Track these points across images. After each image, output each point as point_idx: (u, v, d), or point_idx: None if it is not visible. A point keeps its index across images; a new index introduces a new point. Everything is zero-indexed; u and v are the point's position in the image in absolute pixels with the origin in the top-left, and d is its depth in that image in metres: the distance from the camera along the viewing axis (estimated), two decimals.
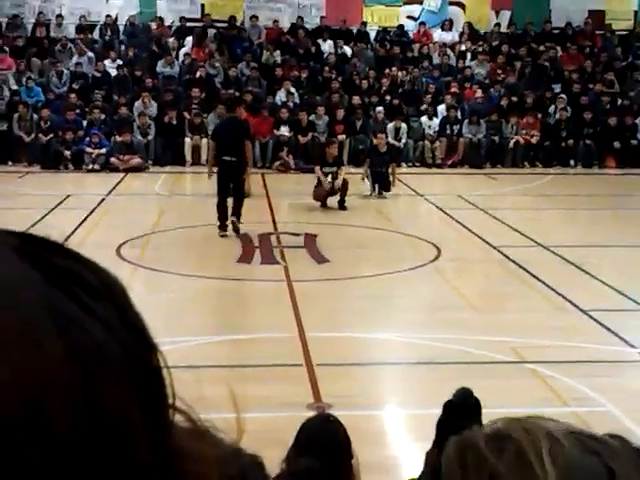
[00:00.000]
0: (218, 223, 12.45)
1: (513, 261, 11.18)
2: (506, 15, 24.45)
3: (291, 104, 21.06)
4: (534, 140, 20.95)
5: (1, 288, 0.43)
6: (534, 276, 10.62)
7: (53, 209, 14.29)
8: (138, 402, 0.45)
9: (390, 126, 20.26)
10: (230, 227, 12.48)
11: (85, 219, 13.53)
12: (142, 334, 0.49)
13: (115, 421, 0.44)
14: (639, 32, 24.63)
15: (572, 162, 20.94)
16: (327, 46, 23.12)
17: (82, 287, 0.46)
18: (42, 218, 13.38)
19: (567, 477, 0.97)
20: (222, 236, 12.43)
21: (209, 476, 0.50)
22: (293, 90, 21.47)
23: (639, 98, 22.16)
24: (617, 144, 20.80)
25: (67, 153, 19.16)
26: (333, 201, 15.16)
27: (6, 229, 0.48)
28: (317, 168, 15.14)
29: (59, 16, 23.15)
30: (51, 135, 19.46)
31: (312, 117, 20.54)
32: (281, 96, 21.33)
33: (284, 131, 20.38)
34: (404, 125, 20.62)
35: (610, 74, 22.83)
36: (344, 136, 19.71)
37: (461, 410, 3.66)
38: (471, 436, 1.08)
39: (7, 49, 22.01)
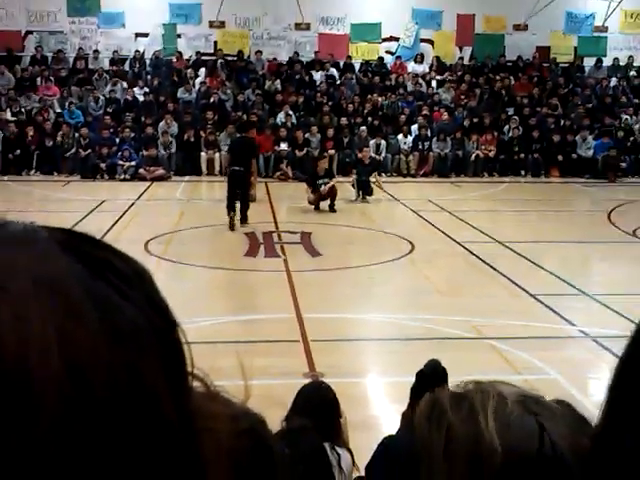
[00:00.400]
0: (228, 218, 12.65)
1: (474, 254, 11.21)
2: (468, 50, 24.44)
3: (289, 124, 21.05)
4: (491, 154, 21.00)
5: (50, 277, 0.43)
6: (491, 267, 10.65)
7: (91, 212, 14.27)
8: (164, 371, 0.45)
9: (372, 142, 20.28)
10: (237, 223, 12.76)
11: (118, 220, 13.52)
12: (166, 314, 0.48)
13: (147, 388, 0.44)
14: (578, 64, 24.66)
15: (523, 172, 20.97)
16: (319, 76, 23.11)
17: (117, 275, 0.46)
18: (82, 219, 13.35)
19: (504, 431, 0.99)
20: (231, 219, 12.71)
21: (221, 431, 0.50)
22: (291, 112, 21.46)
23: (578, 119, 22.17)
24: (560, 157, 20.83)
25: (102, 165, 19.19)
26: (324, 205, 15.19)
27: (52, 226, 0.48)
28: (310, 187, 15.15)
29: (96, 51, 23.10)
30: (89, 150, 19.47)
31: (307, 135, 20.55)
32: (281, 117, 21.33)
33: (283, 146, 20.38)
34: (383, 142, 20.65)
35: (554, 99, 22.87)
36: (333, 151, 19.75)
37: (431, 378, 3.66)
38: (438, 395, 1.10)
39: (52, 79, 21.98)
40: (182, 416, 0.46)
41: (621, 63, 24.63)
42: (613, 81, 24.17)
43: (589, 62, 24.70)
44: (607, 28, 24.46)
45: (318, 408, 3.38)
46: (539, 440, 0.96)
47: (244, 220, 12.83)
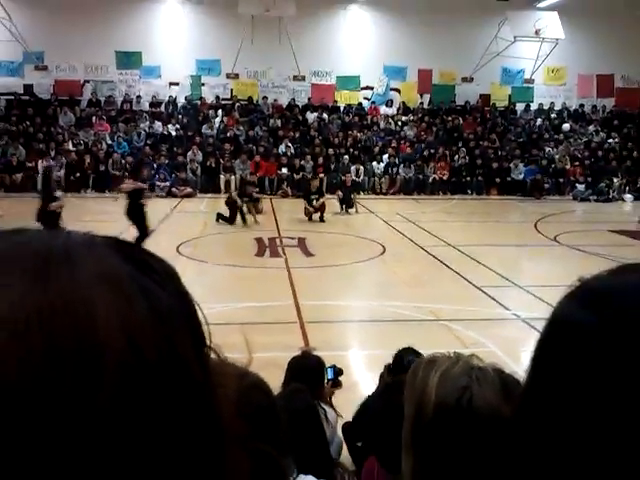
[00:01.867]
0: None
1: (432, 255, 11.23)
2: (427, 97, 24.49)
3: (289, 153, 21.05)
4: (445, 177, 21.04)
5: (108, 272, 0.44)
6: (445, 264, 10.66)
7: None
8: (192, 342, 0.47)
9: (353, 168, 20.29)
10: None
11: (156, 228, 13.46)
12: (190, 300, 0.50)
13: (181, 354, 0.45)
14: (512, 108, 24.73)
15: (469, 191, 21.02)
16: (312, 117, 23.10)
17: (154, 272, 0.47)
18: (128, 227, 13.29)
19: (441, 384, 1.01)
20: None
21: (230, 386, 0.52)
22: (290, 145, 21.45)
23: (512, 150, 22.26)
24: (498, 180, 20.91)
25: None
26: (316, 217, 15.18)
27: (107, 235, 0.49)
28: (305, 202, 15.18)
29: (138, 96, 23.02)
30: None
31: (302, 162, 20.55)
32: (282, 148, 21.31)
33: (284, 171, 20.38)
34: (362, 167, 20.67)
35: (493, 135, 22.94)
36: (323, 174, 19.74)
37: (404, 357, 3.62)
38: (420, 359, 1.13)
39: (105, 117, 21.90)
40: (205, 375, 0.47)
41: (545, 107, 24.72)
42: (539, 121, 24.26)
43: (520, 107, 24.77)
44: (534, 80, 24.56)
45: (304, 373, 3.36)
46: (459, 396, 0.98)
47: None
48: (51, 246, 0.44)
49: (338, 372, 3.70)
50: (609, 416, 0.50)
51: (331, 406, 3.50)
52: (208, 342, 0.50)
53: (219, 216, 14.10)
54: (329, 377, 3.58)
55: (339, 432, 3.59)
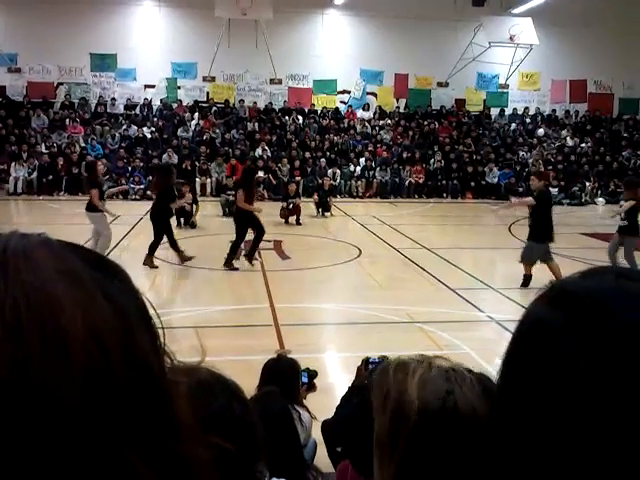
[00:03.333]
0: None
1: (407, 257, 11.26)
2: (403, 101, 24.63)
3: (265, 157, 21.00)
4: (421, 181, 21.17)
5: (66, 268, 0.45)
6: (421, 267, 10.71)
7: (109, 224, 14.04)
8: (149, 336, 0.49)
9: (330, 171, 20.32)
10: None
11: (130, 230, 13.35)
12: (142, 298, 0.51)
13: (139, 347, 0.47)
14: (486, 113, 24.99)
15: (445, 195, 21.17)
16: (287, 120, 23.09)
17: (108, 270, 0.49)
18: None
19: (421, 388, 1.00)
20: None
21: (182, 381, 0.53)
22: (267, 148, 21.41)
23: (486, 155, 22.48)
24: (473, 183, 21.10)
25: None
26: (292, 219, 15.16)
27: (72, 242, 0.50)
28: (282, 204, 15.20)
29: (113, 99, 22.82)
30: (107, 176, 19.26)
31: (279, 165, 20.53)
32: (259, 152, 21.25)
33: (261, 174, 20.30)
34: (338, 171, 20.73)
35: (468, 139, 23.15)
36: (300, 178, 19.74)
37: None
38: (388, 362, 1.11)
39: (78, 120, 21.67)
40: (160, 367, 0.49)
41: (519, 112, 25.02)
42: (513, 126, 24.55)
43: (495, 111, 25.03)
44: (508, 85, 24.85)
45: (278, 376, 3.35)
46: (443, 399, 0.97)
47: None
48: (7, 245, 0.45)
49: (312, 375, 3.68)
50: (578, 413, 0.51)
51: (305, 408, 3.48)
52: (161, 340, 0.51)
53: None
54: (303, 381, 3.55)
55: (314, 434, 3.57)
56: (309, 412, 3.49)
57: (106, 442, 0.43)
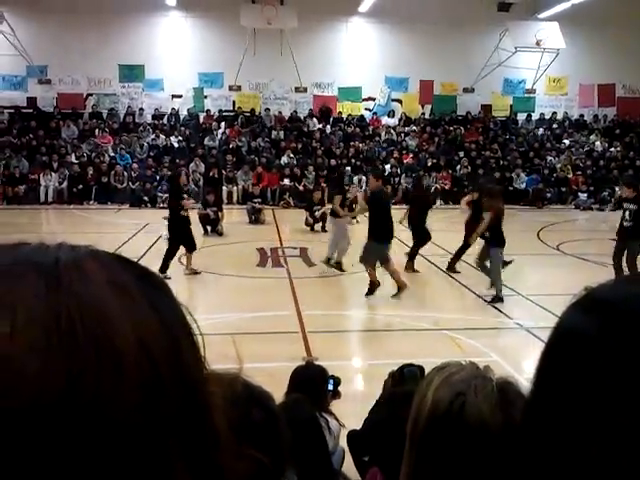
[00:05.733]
0: None
1: (434, 264, 11.20)
2: (428, 108, 24.54)
3: (291, 164, 21.09)
4: (447, 187, 21.04)
5: (115, 280, 0.46)
6: (447, 274, 10.63)
7: (137, 232, 14.25)
8: (192, 349, 0.50)
9: (355, 179, 20.33)
10: None
11: (158, 239, 13.48)
12: (184, 311, 0.52)
13: (184, 358, 0.48)
14: (513, 118, 24.77)
15: None
16: (313, 127, 23.15)
17: (153, 282, 0.50)
18: (131, 238, 13.35)
19: (439, 388, 1.01)
20: None
21: (220, 394, 0.53)
22: (292, 156, 21.50)
23: (514, 161, 22.27)
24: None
25: (146, 197, 19.21)
26: (318, 227, 15.18)
27: (117, 253, 0.51)
28: (307, 213, 15.24)
29: (141, 109, 23.12)
30: (137, 183, 19.59)
31: (305, 173, 20.60)
32: (284, 159, 21.36)
33: (287, 182, 20.42)
34: (364, 177, 20.69)
35: (495, 145, 22.96)
36: (325, 185, 19.74)
37: (408, 376, 3.57)
38: (432, 370, 1.14)
39: (107, 130, 22.03)
40: (202, 378, 0.50)
41: (546, 117, 24.76)
42: (540, 131, 24.29)
43: (522, 117, 24.80)
44: (535, 90, 24.62)
45: (307, 383, 3.34)
46: (452, 401, 0.99)
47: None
48: (58, 256, 0.46)
49: (337, 382, 3.67)
50: (613, 425, 0.50)
51: (333, 416, 3.47)
52: (202, 352, 0.52)
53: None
54: (329, 388, 3.54)
55: (342, 442, 3.56)
56: (337, 419, 3.48)
57: (156, 452, 0.44)
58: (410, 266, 10.87)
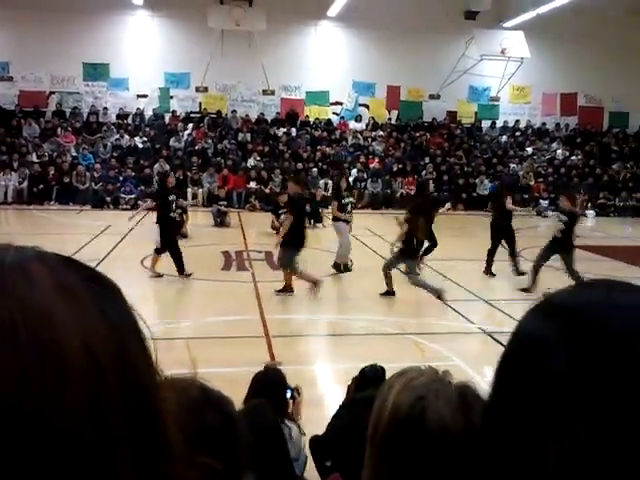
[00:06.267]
0: None
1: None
2: (395, 113, 24.75)
3: (258, 167, 21.02)
4: (412, 192, 21.20)
5: (62, 283, 0.45)
6: None
7: (99, 234, 14.01)
8: (141, 352, 0.49)
9: (321, 182, 20.37)
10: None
11: (120, 241, 13.30)
12: (135, 314, 0.51)
13: (133, 363, 0.47)
14: (477, 125, 25.14)
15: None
16: (280, 131, 23.14)
17: (102, 285, 0.49)
18: (92, 240, 13.12)
19: (399, 393, 1.02)
20: None
21: (172, 399, 0.54)
22: (259, 158, 21.44)
23: (477, 167, 22.59)
24: (464, 195, 21.18)
25: (108, 198, 18.92)
26: None
27: (65, 255, 0.50)
28: (273, 217, 15.21)
29: (105, 108, 22.78)
30: (100, 183, 19.29)
31: (271, 176, 20.55)
32: (251, 162, 21.28)
33: (253, 185, 20.34)
34: (330, 181, 20.74)
35: (460, 151, 23.27)
36: None
37: (372, 379, 3.58)
38: (392, 375, 1.14)
39: (70, 129, 21.64)
40: (153, 384, 0.49)
41: (510, 125, 25.20)
42: (504, 138, 24.71)
43: (486, 124, 25.19)
44: (499, 98, 25.03)
45: (266, 389, 3.29)
46: (412, 405, 1.00)
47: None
48: (2, 258, 0.44)
49: (294, 392, 3.60)
50: (569, 428, 0.51)
51: (295, 422, 3.45)
52: (153, 357, 0.51)
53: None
54: (287, 397, 3.48)
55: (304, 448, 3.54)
56: (299, 427, 3.46)
57: (103, 462, 0.43)
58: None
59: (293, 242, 9.08)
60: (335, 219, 11.12)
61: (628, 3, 21.98)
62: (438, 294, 9.11)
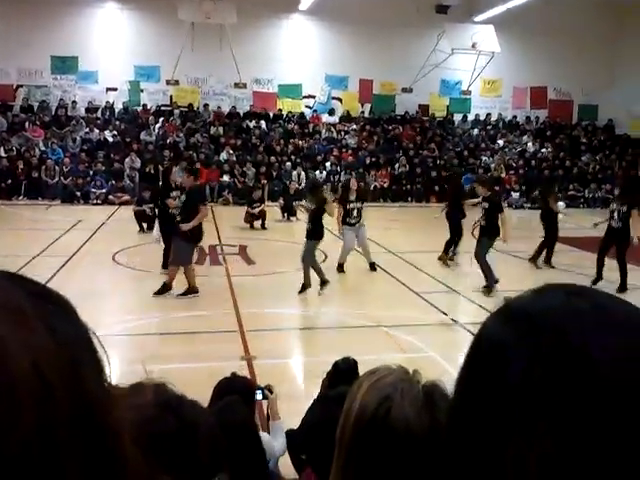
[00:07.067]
0: None
1: (377, 264, 11.26)
2: (368, 106, 24.78)
3: (230, 161, 20.88)
4: (386, 185, 21.31)
5: (10, 303, 0.44)
6: (386, 271, 10.76)
7: (69, 229, 13.79)
8: (92, 369, 0.48)
9: (294, 173, 20.36)
10: None
11: (91, 236, 13.10)
12: (87, 329, 0.50)
13: (84, 381, 0.46)
14: (449, 119, 25.28)
15: (409, 199, 21.35)
16: (252, 124, 23.02)
17: (52, 302, 0.48)
18: (62, 236, 12.90)
19: (367, 393, 1.02)
20: None
21: (116, 406, 0.51)
22: (232, 152, 21.30)
23: (450, 160, 22.75)
24: (437, 188, 21.32)
25: (78, 193, 18.63)
26: (258, 224, 15.09)
27: (9, 271, 0.49)
28: (247, 209, 15.12)
29: (74, 102, 22.39)
30: (70, 178, 18.96)
31: (244, 169, 20.44)
32: (224, 156, 21.13)
33: (226, 178, 20.21)
34: (303, 172, 20.75)
35: (432, 144, 23.39)
36: (265, 181, 19.67)
37: (345, 371, 3.55)
38: (363, 374, 1.13)
39: (38, 123, 21.23)
40: (106, 401, 0.48)
41: (481, 118, 25.41)
42: (475, 132, 24.91)
43: (458, 117, 25.36)
44: (471, 92, 25.20)
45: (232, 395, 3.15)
46: (379, 405, 1.00)
47: None
48: None
49: (268, 391, 3.53)
50: (525, 428, 0.53)
51: (263, 430, 3.37)
52: (106, 373, 0.51)
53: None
54: (257, 398, 3.39)
55: (275, 452, 3.45)
56: (269, 431, 3.42)
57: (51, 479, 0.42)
58: (444, 258, 11.55)
59: (189, 236, 8.64)
60: (343, 223, 10.62)
61: None
62: (304, 286, 9.09)
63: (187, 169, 9.81)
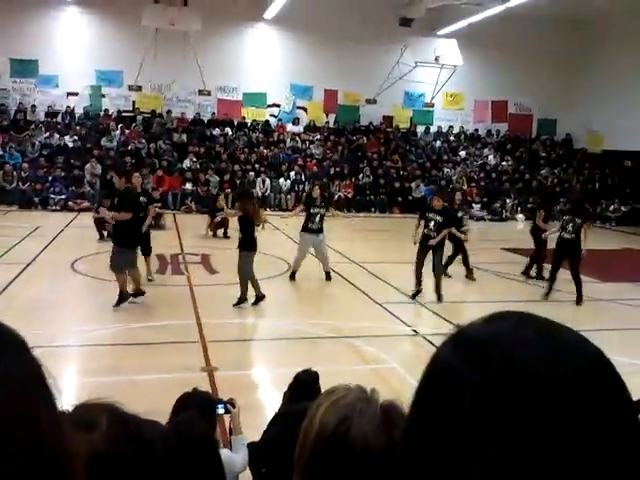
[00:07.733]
0: None
1: (336, 272, 11.28)
2: (333, 116, 24.89)
3: (194, 168, 20.71)
4: (350, 195, 21.41)
5: None
6: (349, 281, 10.78)
7: (27, 236, 13.46)
8: (42, 404, 0.47)
9: (259, 180, 20.33)
10: None
11: (49, 243, 12.81)
12: (38, 365, 0.49)
13: (33, 416, 0.45)
14: (413, 130, 25.57)
15: (373, 209, 21.48)
16: (217, 132, 22.89)
17: (3, 346, 0.47)
18: (19, 242, 12.58)
19: (326, 413, 1.05)
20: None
21: (77, 442, 0.50)
22: (195, 159, 21.13)
23: (413, 171, 22.98)
24: (400, 198, 21.52)
25: (37, 199, 18.21)
26: (220, 232, 14.97)
27: None
28: (209, 218, 15.00)
29: (33, 106, 21.94)
30: (28, 183, 18.55)
31: (207, 176, 20.29)
32: (187, 163, 20.95)
33: (189, 186, 20.03)
34: (268, 180, 20.73)
35: (396, 155, 23.62)
36: (229, 190, 19.55)
37: (306, 384, 3.53)
38: (322, 394, 1.14)
39: None
40: (57, 437, 0.47)
41: (443, 130, 25.78)
42: (438, 143, 25.25)
43: (421, 129, 25.67)
44: (433, 104, 25.56)
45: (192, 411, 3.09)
46: (337, 425, 1.01)
47: None
48: None
49: (227, 406, 3.47)
50: (473, 454, 0.54)
51: (225, 445, 3.31)
52: (58, 408, 0.50)
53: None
54: (219, 412, 3.33)
55: (235, 467, 3.40)
56: (230, 447, 3.37)
57: None
58: (470, 273, 11.56)
59: (126, 241, 8.51)
60: (302, 229, 10.87)
61: (552, 12, 22.85)
62: (241, 300, 9.05)
63: (119, 171, 9.67)
